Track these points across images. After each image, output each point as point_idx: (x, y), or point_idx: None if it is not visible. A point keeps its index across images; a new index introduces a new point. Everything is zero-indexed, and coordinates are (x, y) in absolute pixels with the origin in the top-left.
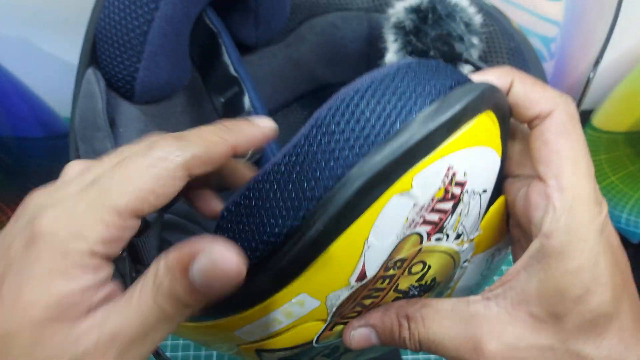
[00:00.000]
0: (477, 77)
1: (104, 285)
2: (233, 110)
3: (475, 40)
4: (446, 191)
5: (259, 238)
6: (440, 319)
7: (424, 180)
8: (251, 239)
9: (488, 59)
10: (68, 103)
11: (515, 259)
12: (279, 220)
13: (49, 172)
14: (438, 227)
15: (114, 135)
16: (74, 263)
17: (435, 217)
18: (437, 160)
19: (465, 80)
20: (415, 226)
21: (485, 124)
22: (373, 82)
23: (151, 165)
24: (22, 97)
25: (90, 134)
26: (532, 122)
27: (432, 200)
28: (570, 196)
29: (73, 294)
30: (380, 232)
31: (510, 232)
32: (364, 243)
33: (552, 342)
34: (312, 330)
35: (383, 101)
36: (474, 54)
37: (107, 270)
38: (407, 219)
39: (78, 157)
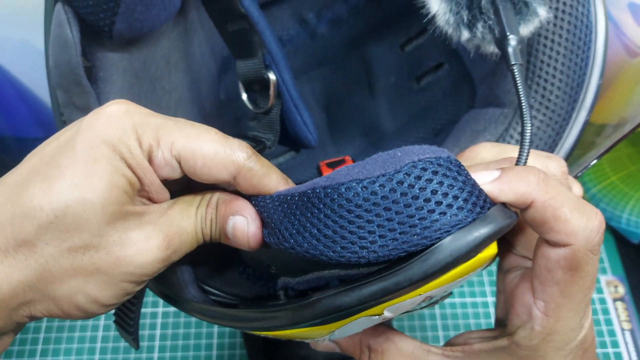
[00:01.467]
0: (493, 188)
1: (138, 192)
2: (241, 48)
3: (542, 10)
4: (419, 304)
5: (272, 240)
6: (399, 357)
7: (395, 308)
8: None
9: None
10: None
11: (497, 281)
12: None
13: None
14: (405, 311)
15: (95, 79)
16: (112, 157)
17: (403, 309)
18: (417, 296)
19: (472, 212)
20: (379, 321)
21: (484, 254)
22: (384, 177)
23: (221, 144)
24: (22, 97)
25: (68, 86)
26: (543, 239)
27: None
28: (550, 325)
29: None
30: (345, 330)
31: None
32: (329, 332)
33: None
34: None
35: (386, 212)
36: (529, 28)
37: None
38: (374, 324)
39: (58, 105)
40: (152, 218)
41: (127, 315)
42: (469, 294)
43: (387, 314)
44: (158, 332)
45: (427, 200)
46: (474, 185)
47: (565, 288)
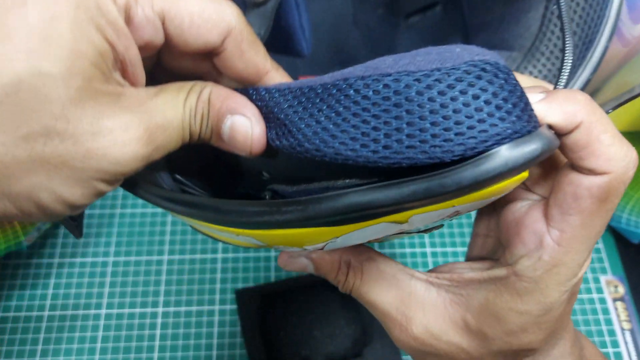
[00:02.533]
0: (542, 107)
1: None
2: None
3: None
4: (442, 218)
5: (281, 142)
6: (379, 279)
7: (421, 217)
8: (276, 135)
9: None
10: None
11: (475, 224)
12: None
13: None
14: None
15: None
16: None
17: (427, 221)
18: (448, 207)
19: (529, 123)
20: (395, 231)
21: (522, 175)
22: (439, 72)
23: (209, 0)
24: None
25: None
26: (577, 166)
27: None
28: (560, 256)
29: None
30: (352, 237)
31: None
32: (330, 239)
33: (471, 349)
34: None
35: (433, 109)
36: None
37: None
38: (388, 234)
39: None
40: (130, 104)
41: None
42: None
43: (410, 222)
44: (158, 332)
45: (488, 102)
46: (528, 101)
47: (587, 218)
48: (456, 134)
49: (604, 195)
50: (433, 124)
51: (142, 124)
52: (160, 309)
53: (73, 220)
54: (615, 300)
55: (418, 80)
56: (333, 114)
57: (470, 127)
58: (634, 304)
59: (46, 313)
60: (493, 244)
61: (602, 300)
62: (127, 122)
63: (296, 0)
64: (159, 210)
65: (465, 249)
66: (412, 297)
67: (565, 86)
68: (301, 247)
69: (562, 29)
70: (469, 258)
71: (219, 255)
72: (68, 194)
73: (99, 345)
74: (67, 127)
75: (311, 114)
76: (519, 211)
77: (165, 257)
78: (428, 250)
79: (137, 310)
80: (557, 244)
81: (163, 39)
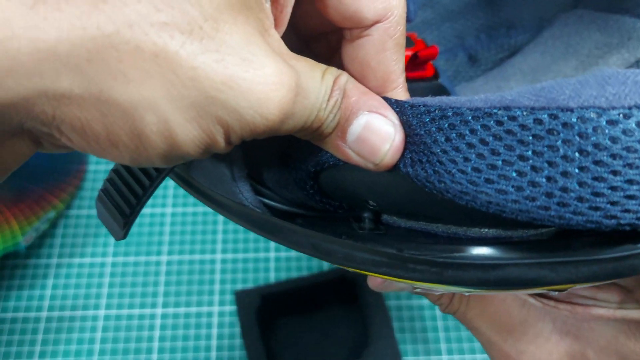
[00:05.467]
0: None
1: None
2: None
3: None
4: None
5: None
6: (488, 304)
7: (583, 286)
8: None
9: None
10: None
11: None
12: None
13: (49, 172)
14: None
15: None
16: None
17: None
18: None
19: None
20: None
21: None
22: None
23: None
24: None
25: None
26: None
27: None
28: None
29: None
30: (485, 294)
31: None
32: (457, 291)
33: None
34: None
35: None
36: None
37: None
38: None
39: None
40: (276, 48)
41: (130, 189)
42: None
43: (568, 291)
44: (157, 333)
45: None
46: None
47: None
48: None
49: None
50: (629, 182)
51: (294, 76)
52: (159, 310)
53: (122, 217)
54: None
55: (612, 123)
56: (488, 153)
57: None
58: None
59: (44, 314)
60: None
61: None
62: (280, 64)
63: None
64: (158, 210)
65: None
66: (524, 327)
67: None
68: (423, 290)
69: None
70: None
71: (218, 256)
72: (179, 129)
73: (97, 346)
74: (215, 36)
75: (457, 147)
76: None
77: (164, 258)
78: None
79: (136, 311)
80: None
81: None
